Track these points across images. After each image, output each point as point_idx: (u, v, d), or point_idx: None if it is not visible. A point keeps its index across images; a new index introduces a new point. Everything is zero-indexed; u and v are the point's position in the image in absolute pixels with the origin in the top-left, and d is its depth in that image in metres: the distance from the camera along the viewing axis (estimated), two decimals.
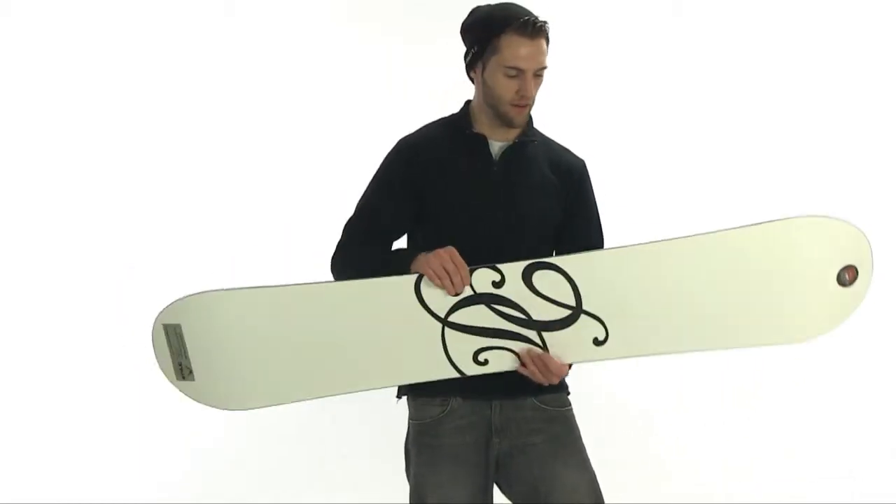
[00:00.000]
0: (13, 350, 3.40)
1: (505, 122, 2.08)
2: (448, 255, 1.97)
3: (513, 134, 2.12)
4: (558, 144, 2.21)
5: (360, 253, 2.10)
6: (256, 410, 2.02)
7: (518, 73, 2.01)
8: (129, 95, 3.50)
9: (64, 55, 3.45)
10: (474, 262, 2.01)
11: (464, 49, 2.11)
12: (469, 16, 2.10)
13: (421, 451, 2.10)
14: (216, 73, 3.58)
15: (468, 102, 2.17)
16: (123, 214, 3.48)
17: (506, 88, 2.03)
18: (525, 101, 2.05)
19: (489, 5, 2.09)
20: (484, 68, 2.06)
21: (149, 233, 3.49)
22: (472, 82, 2.13)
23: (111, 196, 3.48)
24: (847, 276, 2.01)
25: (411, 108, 3.01)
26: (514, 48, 2.00)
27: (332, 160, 3.58)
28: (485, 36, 2.04)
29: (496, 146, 2.12)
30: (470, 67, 2.11)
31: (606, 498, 2.07)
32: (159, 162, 3.51)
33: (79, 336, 3.42)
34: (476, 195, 2.08)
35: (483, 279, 2.00)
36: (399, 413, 2.18)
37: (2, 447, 3.37)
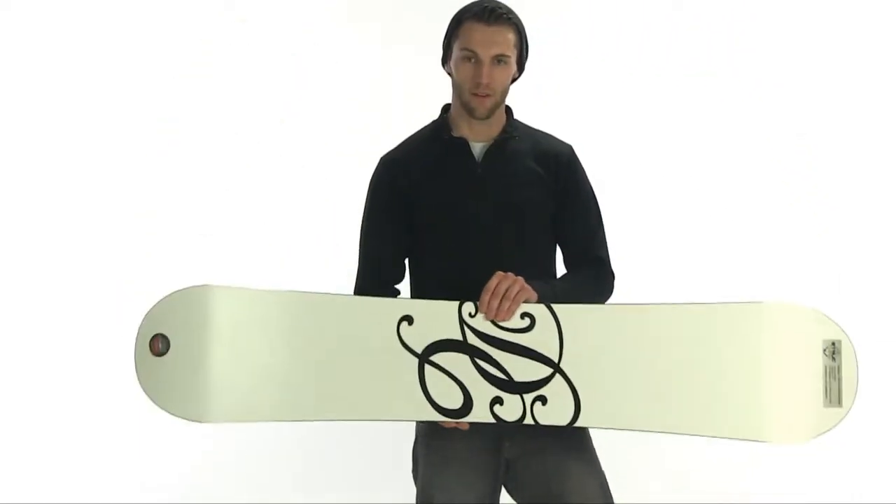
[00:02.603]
0: (12, 350, 3.40)
1: (468, 111, 2.05)
2: None
3: (493, 132, 2.10)
4: (542, 133, 2.17)
5: None
6: None
7: (474, 57, 2.00)
8: (129, 96, 3.52)
9: (62, 55, 3.48)
10: (474, 266, 1.97)
11: None
12: None
13: (430, 453, 2.05)
14: (218, 73, 3.60)
15: (447, 107, 2.15)
16: (123, 215, 3.50)
17: (464, 75, 2.02)
18: (483, 91, 2.01)
19: None
20: (450, 60, 2.07)
21: (149, 233, 3.50)
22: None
23: (111, 196, 3.50)
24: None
25: (414, 109, 3.06)
26: (469, 32, 2.01)
27: (334, 163, 3.58)
28: (451, 27, 2.06)
29: (478, 147, 2.10)
30: (444, 63, 2.11)
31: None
32: (159, 162, 3.53)
33: (77, 336, 3.42)
34: (465, 199, 2.05)
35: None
36: None
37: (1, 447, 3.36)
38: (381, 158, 2.16)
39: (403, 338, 1.94)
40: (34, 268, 3.45)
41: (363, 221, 2.17)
